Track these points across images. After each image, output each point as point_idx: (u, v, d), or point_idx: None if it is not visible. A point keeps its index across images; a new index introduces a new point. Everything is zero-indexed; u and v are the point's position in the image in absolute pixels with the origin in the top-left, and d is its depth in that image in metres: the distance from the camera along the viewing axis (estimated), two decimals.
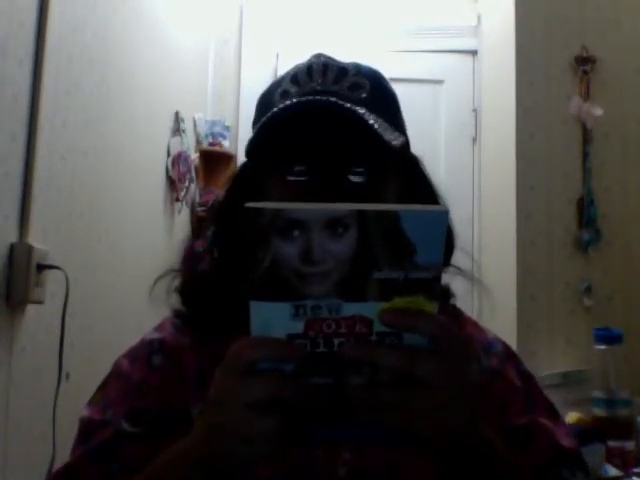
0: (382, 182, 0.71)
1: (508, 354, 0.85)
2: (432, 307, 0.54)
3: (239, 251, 0.56)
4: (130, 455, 0.70)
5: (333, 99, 0.68)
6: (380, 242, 0.52)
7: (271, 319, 0.53)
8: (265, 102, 0.76)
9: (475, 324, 0.87)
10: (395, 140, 0.70)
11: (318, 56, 0.77)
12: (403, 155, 0.75)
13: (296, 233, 0.52)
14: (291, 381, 0.54)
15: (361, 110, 0.68)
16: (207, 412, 0.58)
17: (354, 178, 0.69)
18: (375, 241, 0.52)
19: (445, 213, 0.52)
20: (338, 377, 0.54)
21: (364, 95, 0.73)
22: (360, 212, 0.52)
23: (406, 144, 0.77)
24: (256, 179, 0.75)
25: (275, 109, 0.69)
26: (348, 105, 0.68)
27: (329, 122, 0.67)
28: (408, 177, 0.77)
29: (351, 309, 0.53)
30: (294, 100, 0.70)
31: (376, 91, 0.74)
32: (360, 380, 0.54)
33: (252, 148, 0.71)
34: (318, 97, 0.69)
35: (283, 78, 0.76)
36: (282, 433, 0.53)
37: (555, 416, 0.82)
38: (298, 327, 0.53)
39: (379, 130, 0.68)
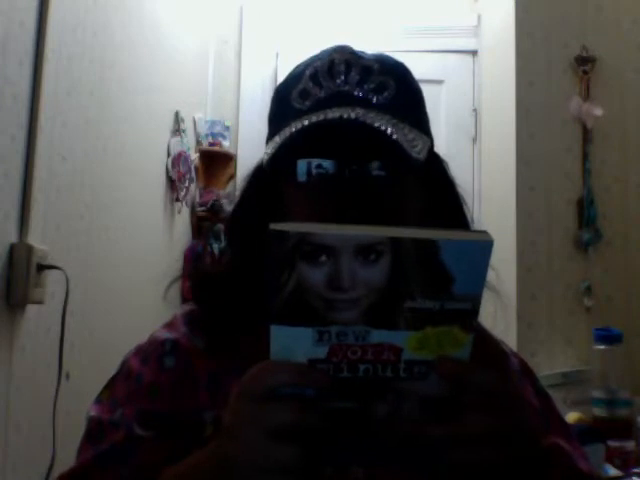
0: (404, 186, 0.70)
1: (525, 371, 0.83)
2: (467, 339, 0.51)
3: (260, 272, 0.54)
4: (141, 459, 0.68)
5: (354, 114, 0.66)
6: (415, 270, 0.48)
7: (292, 344, 0.51)
8: (283, 99, 0.73)
9: (492, 338, 0.84)
10: (420, 151, 0.68)
11: (340, 50, 0.72)
12: (428, 159, 0.72)
13: (323, 258, 0.48)
14: (313, 407, 0.51)
15: (385, 124, 0.66)
16: (221, 439, 0.54)
17: (376, 173, 0.68)
18: (410, 269, 0.48)
19: (490, 244, 0.48)
20: (362, 402, 0.52)
21: (389, 96, 0.70)
22: (395, 239, 0.48)
23: (431, 146, 0.75)
24: (274, 189, 0.73)
25: (294, 129, 0.66)
26: (375, 124, 0.65)
27: (353, 137, 0.66)
28: (431, 178, 0.76)
29: (379, 336, 0.50)
30: (314, 120, 0.66)
31: (401, 90, 0.72)
32: (385, 406, 0.52)
33: (275, 163, 0.69)
34: (339, 114, 0.66)
35: (303, 73, 0.72)
36: (302, 463, 0.50)
37: (571, 437, 0.79)
38: (321, 352, 0.51)
39: (404, 145, 0.66)
